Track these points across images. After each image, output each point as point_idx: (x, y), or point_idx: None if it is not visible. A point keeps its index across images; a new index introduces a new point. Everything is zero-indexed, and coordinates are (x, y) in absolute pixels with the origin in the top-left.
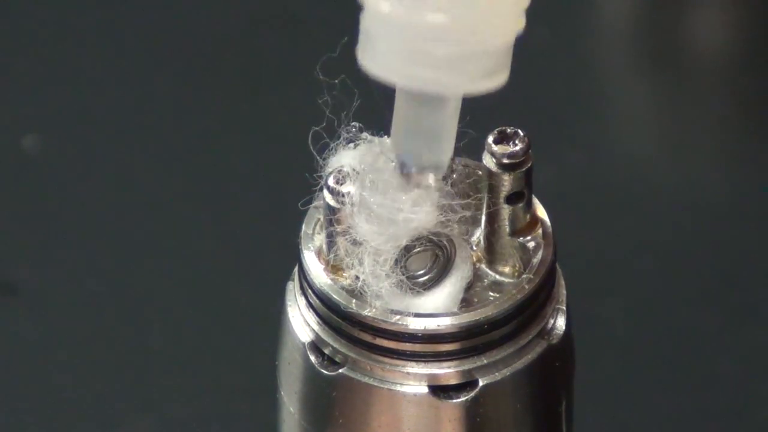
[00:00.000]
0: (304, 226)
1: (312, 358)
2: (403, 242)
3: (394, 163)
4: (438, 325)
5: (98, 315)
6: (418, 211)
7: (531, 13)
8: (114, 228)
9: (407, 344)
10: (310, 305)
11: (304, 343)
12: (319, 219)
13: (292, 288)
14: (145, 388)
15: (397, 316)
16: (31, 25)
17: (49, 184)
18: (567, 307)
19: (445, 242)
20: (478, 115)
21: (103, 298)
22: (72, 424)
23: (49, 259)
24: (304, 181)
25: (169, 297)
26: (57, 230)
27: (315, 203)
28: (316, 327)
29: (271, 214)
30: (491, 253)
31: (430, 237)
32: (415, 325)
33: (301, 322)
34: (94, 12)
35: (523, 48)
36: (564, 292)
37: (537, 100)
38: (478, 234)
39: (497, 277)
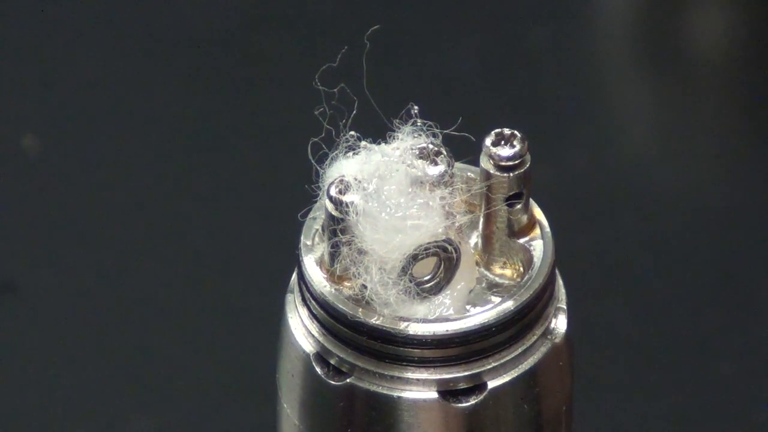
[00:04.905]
0: (302, 237)
1: (317, 369)
2: (411, 250)
3: (397, 171)
4: (447, 330)
5: (98, 315)
6: (425, 217)
7: (531, 13)
8: (114, 229)
9: (416, 350)
10: (314, 316)
11: (308, 355)
12: (317, 230)
13: (292, 299)
14: (145, 388)
15: (406, 323)
16: (31, 25)
17: (49, 184)
18: (567, 306)
19: (449, 246)
20: (476, 117)
21: (102, 298)
22: (72, 424)
23: (48, 259)
24: (303, 191)
25: (169, 297)
26: (57, 230)
27: (312, 214)
28: (320, 338)
29: (270, 220)
30: (490, 254)
31: (436, 242)
32: (423, 330)
33: (304, 333)
34: (94, 12)
35: (523, 48)
36: (563, 291)
37: (537, 101)
38: (477, 236)
39: (497, 279)
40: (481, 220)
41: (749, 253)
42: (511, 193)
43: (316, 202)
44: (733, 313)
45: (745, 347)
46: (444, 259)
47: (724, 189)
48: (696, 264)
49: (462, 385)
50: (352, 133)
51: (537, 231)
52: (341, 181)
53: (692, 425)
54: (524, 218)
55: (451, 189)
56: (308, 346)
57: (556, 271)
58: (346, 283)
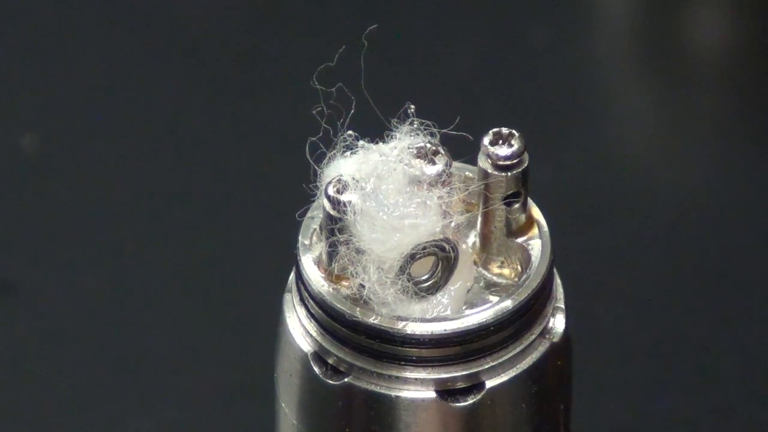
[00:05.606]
0: (300, 237)
1: (315, 368)
2: (409, 249)
3: (395, 170)
4: (445, 330)
5: (97, 315)
6: (423, 217)
7: (531, 13)
8: (112, 228)
9: (414, 350)
10: (312, 315)
11: (306, 354)
12: (315, 229)
13: (290, 299)
14: (145, 388)
15: (403, 323)
16: (31, 25)
17: (49, 184)
18: (565, 305)
19: (447, 246)
20: (474, 116)
21: (102, 298)
22: (72, 424)
23: (48, 259)
24: (301, 191)
25: (169, 297)
26: (56, 230)
27: (310, 213)
28: (318, 337)
29: (268, 219)
30: (488, 254)
31: (434, 241)
32: (421, 330)
33: (302, 332)
34: (94, 12)
35: (522, 48)
36: (561, 290)
37: (535, 100)
38: (475, 235)
39: (494, 278)
40: (479, 219)
41: (749, 252)
42: (509, 193)
43: (314, 201)
44: (732, 312)
45: (745, 347)
46: (442, 258)
47: (723, 189)
48: (695, 264)
49: (460, 385)
50: (350, 132)
51: (535, 230)
52: (339, 180)
53: (691, 425)
54: (522, 217)
55: (448, 188)
56: (306, 346)
57: (554, 271)
58: (344, 283)
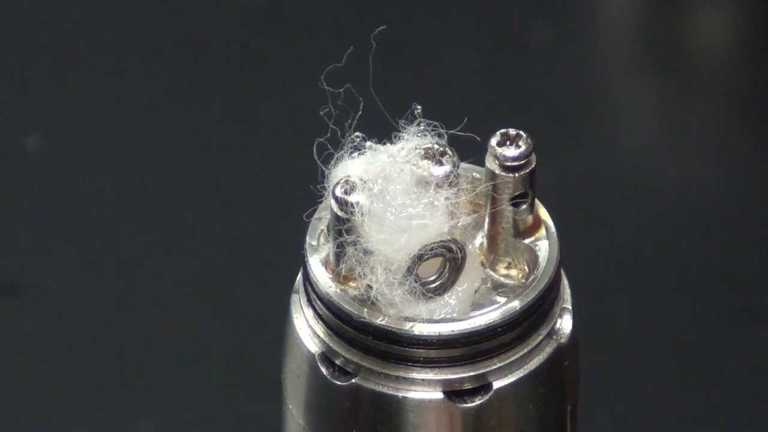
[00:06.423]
0: (308, 238)
1: (323, 369)
2: (416, 250)
3: (402, 171)
4: (452, 330)
5: (100, 316)
6: (431, 217)
7: (532, 13)
8: (118, 229)
9: (421, 351)
10: (319, 316)
11: (313, 355)
12: (322, 230)
13: (297, 300)
14: (146, 388)
15: (411, 324)
16: (32, 25)
17: (53, 184)
18: (572, 306)
19: (454, 246)
20: (481, 117)
21: (105, 299)
22: (72, 424)
23: (51, 261)
24: (308, 191)
25: (175, 298)
26: (61, 230)
27: (317, 214)
28: (325, 338)
29: (276, 220)
30: (495, 255)
31: (441, 242)
32: (428, 331)
33: (309, 333)
34: (95, 12)
35: (529, 49)
36: (568, 291)
37: (539, 101)
38: (482, 236)
39: (502, 279)
40: (487, 220)
41: (751, 252)
42: (516, 194)
43: (321, 202)
44: (736, 312)
45: (748, 347)
46: (449, 259)
47: (726, 189)
48: (700, 264)
49: (467, 386)
50: (358, 133)
51: (542, 231)
52: (347, 181)
53: (693, 425)
54: (529, 218)
55: (456, 189)
56: (313, 347)
57: (562, 272)
58: (352, 284)
